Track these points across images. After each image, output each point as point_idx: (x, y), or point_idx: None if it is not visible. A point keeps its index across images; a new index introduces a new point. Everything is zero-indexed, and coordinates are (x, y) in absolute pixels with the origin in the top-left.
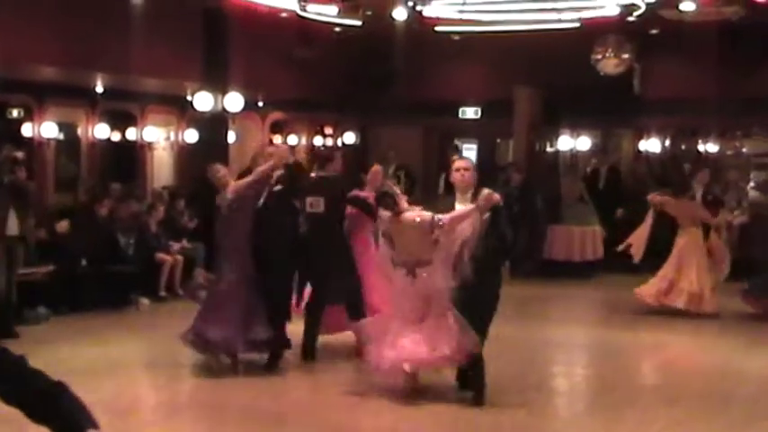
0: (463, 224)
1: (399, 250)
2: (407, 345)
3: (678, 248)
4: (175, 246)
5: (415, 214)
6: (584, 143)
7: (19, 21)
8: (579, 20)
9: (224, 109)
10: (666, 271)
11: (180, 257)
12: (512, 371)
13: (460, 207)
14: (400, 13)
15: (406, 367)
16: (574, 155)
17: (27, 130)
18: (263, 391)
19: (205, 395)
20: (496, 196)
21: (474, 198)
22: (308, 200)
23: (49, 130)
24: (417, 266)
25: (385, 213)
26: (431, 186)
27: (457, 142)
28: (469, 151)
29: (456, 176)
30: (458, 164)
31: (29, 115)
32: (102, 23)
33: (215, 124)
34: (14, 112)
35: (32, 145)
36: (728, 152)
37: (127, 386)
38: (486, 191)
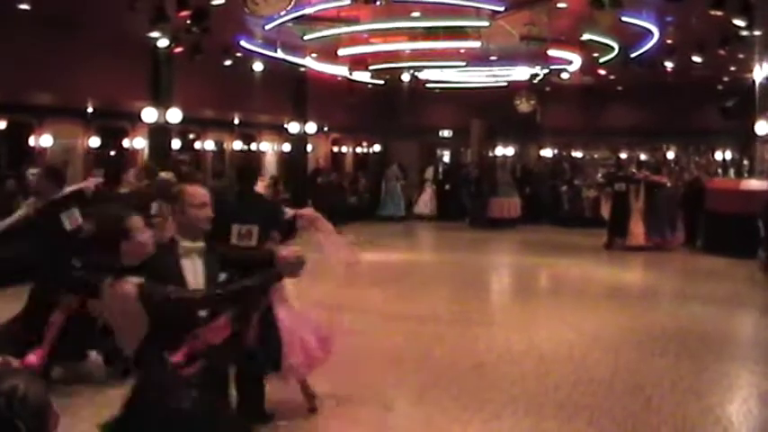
0: None
1: None
2: None
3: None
4: None
5: None
6: (510, 151)
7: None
8: (507, 82)
9: (305, 132)
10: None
11: None
12: (465, 279)
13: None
14: (406, 77)
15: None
16: (504, 158)
17: (177, 143)
18: None
19: None
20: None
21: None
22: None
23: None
24: None
25: None
26: (421, 174)
27: (438, 150)
28: (445, 156)
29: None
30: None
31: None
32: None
33: (300, 141)
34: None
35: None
36: (587, 157)
37: None
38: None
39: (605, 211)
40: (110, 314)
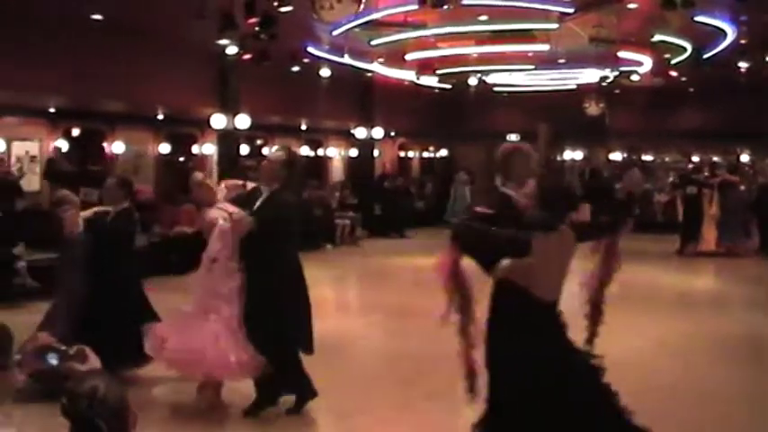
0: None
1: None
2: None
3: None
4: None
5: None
6: (578, 155)
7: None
8: (575, 85)
9: (372, 137)
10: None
11: (348, 221)
12: None
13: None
14: (473, 81)
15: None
16: (572, 161)
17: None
18: None
19: None
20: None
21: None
22: None
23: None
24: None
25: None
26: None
27: None
28: None
29: (262, 165)
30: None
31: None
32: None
33: (367, 146)
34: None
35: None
36: (657, 161)
37: None
38: (240, 215)
39: (681, 213)
40: (535, 265)
